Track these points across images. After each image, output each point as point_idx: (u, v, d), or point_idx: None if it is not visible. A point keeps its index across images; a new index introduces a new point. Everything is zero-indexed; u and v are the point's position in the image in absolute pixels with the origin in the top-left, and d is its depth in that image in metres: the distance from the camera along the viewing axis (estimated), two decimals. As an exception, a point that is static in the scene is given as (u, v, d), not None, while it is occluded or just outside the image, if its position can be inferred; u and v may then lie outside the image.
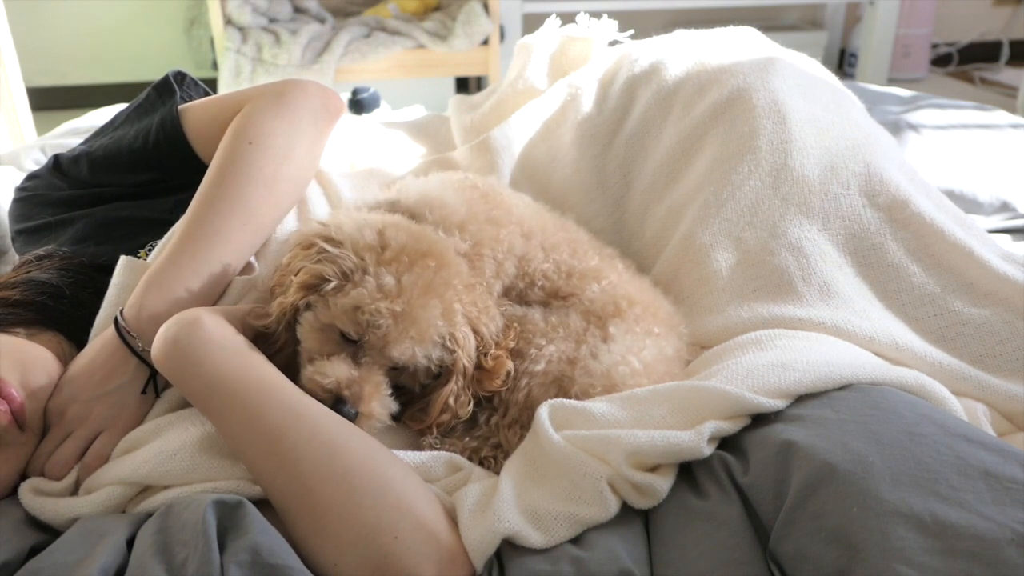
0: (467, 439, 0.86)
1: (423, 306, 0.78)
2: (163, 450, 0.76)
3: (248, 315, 0.83)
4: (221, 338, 0.77)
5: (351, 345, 0.80)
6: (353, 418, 0.77)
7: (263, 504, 0.75)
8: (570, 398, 0.83)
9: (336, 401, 0.77)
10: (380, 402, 0.79)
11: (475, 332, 0.83)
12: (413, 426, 0.86)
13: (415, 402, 0.86)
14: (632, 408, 0.77)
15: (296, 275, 0.81)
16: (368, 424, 0.79)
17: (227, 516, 0.68)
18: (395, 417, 0.83)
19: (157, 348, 0.77)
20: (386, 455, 0.75)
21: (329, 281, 0.79)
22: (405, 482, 0.73)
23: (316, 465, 0.71)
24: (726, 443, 0.75)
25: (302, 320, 0.81)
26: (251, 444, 0.74)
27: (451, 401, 0.84)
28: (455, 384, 0.83)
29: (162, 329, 0.78)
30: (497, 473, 0.81)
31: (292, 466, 0.72)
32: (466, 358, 0.82)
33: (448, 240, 0.86)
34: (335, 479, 0.71)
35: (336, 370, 0.78)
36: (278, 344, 0.83)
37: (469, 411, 0.85)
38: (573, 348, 0.86)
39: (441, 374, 0.84)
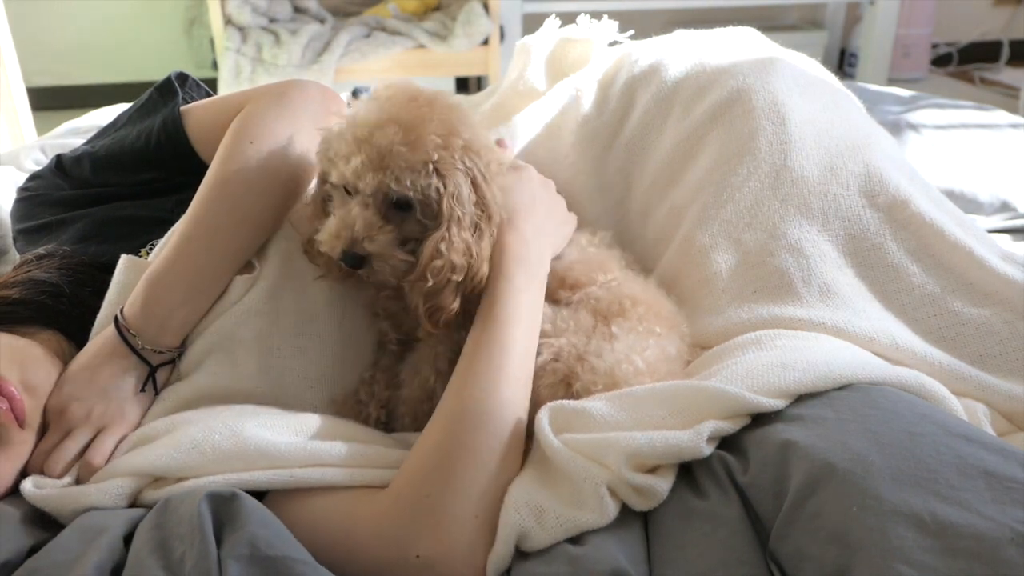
0: None
1: (380, 128, 0.79)
2: (183, 442, 0.77)
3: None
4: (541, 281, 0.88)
5: (349, 198, 0.82)
6: (363, 260, 0.80)
7: (272, 496, 0.76)
8: (572, 395, 0.83)
9: (343, 254, 0.80)
10: (380, 235, 0.81)
11: (475, 187, 0.84)
12: (411, 280, 0.84)
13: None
14: (631, 409, 0.77)
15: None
16: (381, 263, 0.81)
17: (222, 509, 0.68)
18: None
19: (530, 237, 0.88)
20: None
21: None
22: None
23: (496, 444, 0.76)
24: (726, 442, 0.76)
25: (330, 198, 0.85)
26: (485, 376, 0.79)
27: (442, 247, 0.82)
28: (445, 231, 0.82)
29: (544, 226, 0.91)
30: None
31: (484, 427, 0.77)
32: (456, 204, 0.82)
33: (465, 105, 0.89)
34: (489, 466, 0.75)
35: (326, 227, 0.81)
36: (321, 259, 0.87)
37: (464, 264, 0.83)
38: (584, 343, 0.87)
39: (436, 218, 0.83)
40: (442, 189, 0.81)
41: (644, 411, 0.77)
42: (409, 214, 0.83)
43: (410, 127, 0.80)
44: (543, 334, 0.87)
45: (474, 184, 0.84)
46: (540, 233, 0.91)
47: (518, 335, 0.82)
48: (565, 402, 0.80)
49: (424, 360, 0.90)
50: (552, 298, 0.92)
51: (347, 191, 0.83)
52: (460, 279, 0.83)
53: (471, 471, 0.74)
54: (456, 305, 0.84)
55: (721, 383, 0.77)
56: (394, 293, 0.91)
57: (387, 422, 0.92)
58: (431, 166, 0.81)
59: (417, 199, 0.81)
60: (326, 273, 0.90)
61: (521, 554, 0.72)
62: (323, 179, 0.87)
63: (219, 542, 0.65)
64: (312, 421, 0.83)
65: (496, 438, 0.77)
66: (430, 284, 0.82)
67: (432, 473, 0.75)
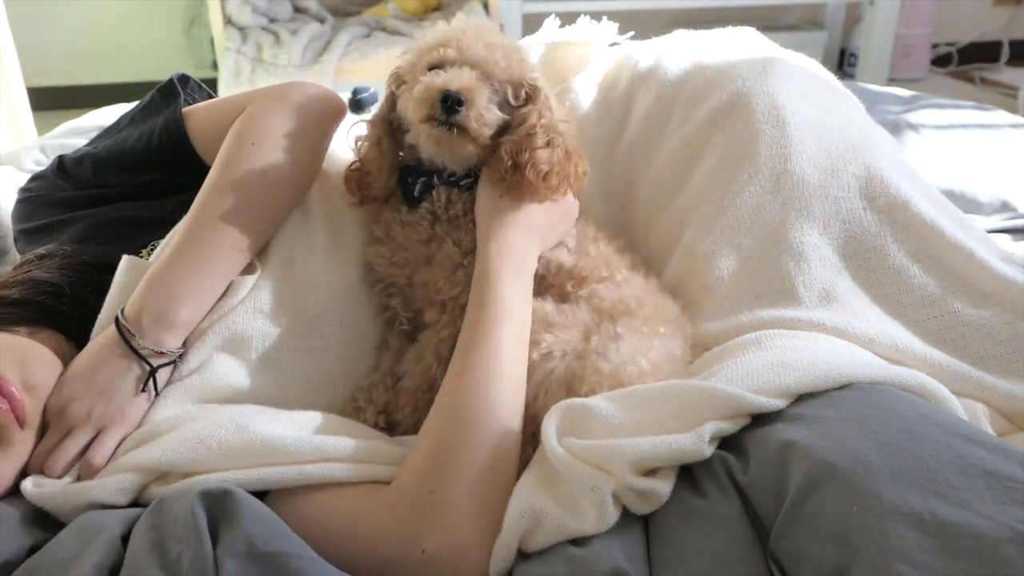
0: None
1: (487, 29, 0.91)
2: (188, 438, 0.77)
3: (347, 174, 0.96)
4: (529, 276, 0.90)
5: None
6: (461, 105, 0.84)
7: (277, 492, 0.76)
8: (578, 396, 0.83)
9: (443, 99, 0.84)
10: (478, 91, 0.86)
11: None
12: (512, 142, 0.89)
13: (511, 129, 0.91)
14: (635, 410, 0.77)
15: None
16: (478, 112, 0.85)
17: (216, 506, 0.68)
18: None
19: (517, 237, 0.89)
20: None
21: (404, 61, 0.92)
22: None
23: (490, 444, 0.77)
24: (726, 442, 0.76)
25: (399, 100, 0.92)
26: (481, 361, 0.82)
27: (545, 112, 0.90)
28: (545, 106, 0.91)
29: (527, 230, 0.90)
30: None
31: (476, 427, 0.78)
32: (545, 97, 0.91)
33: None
34: (485, 464, 0.76)
35: (430, 77, 0.86)
36: (367, 160, 0.95)
37: (560, 129, 0.92)
38: (581, 341, 0.87)
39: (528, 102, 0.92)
40: (534, 81, 0.91)
41: (648, 413, 0.77)
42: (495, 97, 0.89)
43: (508, 41, 0.91)
44: (539, 331, 0.88)
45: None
46: (530, 232, 0.92)
47: (507, 336, 0.84)
48: (574, 400, 0.80)
49: (427, 347, 0.91)
50: (560, 291, 0.92)
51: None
52: (559, 142, 0.91)
53: (468, 469, 0.75)
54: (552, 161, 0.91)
55: (722, 383, 0.77)
56: (399, 272, 0.94)
57: (387, 428, 0.92)
58: (522, 65, 0.91)
59: (508, 85, 0.89)
60: (365, 200, 0.97)
61: (522, 554, 0.73)
62: (395, 88, 0.93)
63: (215, 540, 0.65)
64: (316, 418, 0.84)
65: (489, 438, 0.77)
66: (539, 143, 0.89)
67: (432, 469, 0.76)
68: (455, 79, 0.85)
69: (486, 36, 0.89)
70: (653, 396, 0.78)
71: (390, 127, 0.95)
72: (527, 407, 0.84)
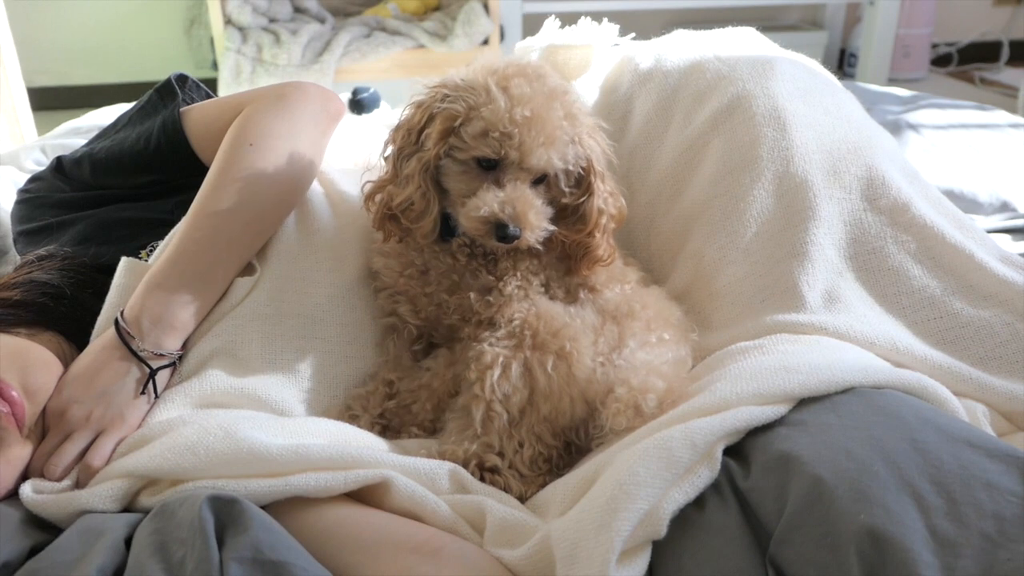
0: (465, 444, 0.84)
1: (547, 108, 0.84)
2: (177, 444, 0.76)
3: (369, 202, 0.89)
4: None
5: (492, 172, 0.85)
6: (518, 236, 0.83)
7: (273, 506, 0.75)
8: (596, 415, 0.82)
9: (497, 228, 0.83)
10: (535, 213, 0.84)
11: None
12: (571, 236, 0.90)
13: (567, 217, 0.90)
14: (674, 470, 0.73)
15: (433, 123, 0.86)
16: (531, 235, 0.84)
17: (224, 512, 0.68)
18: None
19: None
20: None
21: (460, 116, 0.84)
22: None
23: None
24: (728, 448, 0.75)
25: (444, 168, 0.86)
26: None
27: (602, 205, 0.89)
28: (599, 184, 0.89)
29: None
30: (503, 489, 0.81)
31: None
32: (597, 162, 0.89)
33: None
34: None
35: (485, 199, 0.83)
36: (414, 211, 0.87)
37: (617, 212, 0.92)
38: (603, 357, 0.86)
39: (580, 184, 0.89)
40: (590, 155, 0.88)
41: (681, 464, 0.73)
42: (541, 186, 0.87)
43: (564, 102, 0.86)
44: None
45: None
46: None
47: None
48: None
49: (462, 359, 0.89)
50: (573, 297, 0.92)
51: (483, 165, 0.84)
52: (615, 227, 0.92)
53: None
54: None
55: (723, 392, 0.77)
56: (412, 282, 0.92)
57: (382, 433, 0.91)
58: (577, 137, 0.87)
59: (562, 171, 0.87)
60: (402, 238, 0.91)
61: None
62: (441, 152, 0.85)
63: (220, 545, 0.65)
64: (309, 425, 0.83)
65: None
66: (598, 239, 0.89)
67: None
68: (511, 205, 0.82)
69: (548, 124, 0.83)
70: (681, 446, 0.73)
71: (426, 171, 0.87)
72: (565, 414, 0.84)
